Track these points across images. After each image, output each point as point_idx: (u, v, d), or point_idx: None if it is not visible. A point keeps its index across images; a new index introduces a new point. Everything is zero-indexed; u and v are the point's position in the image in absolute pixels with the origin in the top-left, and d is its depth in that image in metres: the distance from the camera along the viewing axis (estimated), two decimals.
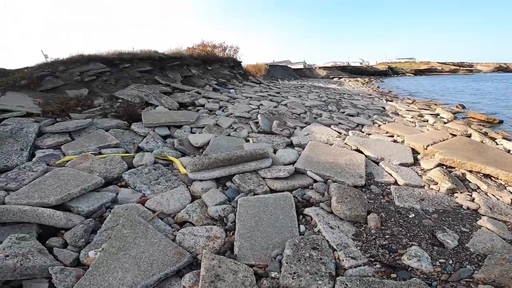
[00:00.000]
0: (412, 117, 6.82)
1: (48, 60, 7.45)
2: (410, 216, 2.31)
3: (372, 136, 4.51)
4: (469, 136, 5.13)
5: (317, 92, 11.68)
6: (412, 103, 10.38)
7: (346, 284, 1.53)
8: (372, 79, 33.81)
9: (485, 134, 5.57)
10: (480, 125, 6.75)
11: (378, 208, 2.41)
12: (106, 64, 7.36)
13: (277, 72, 29.57)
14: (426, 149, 3.80)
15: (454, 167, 3.33)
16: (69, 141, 3.54)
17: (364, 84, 24.08)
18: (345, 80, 30.91)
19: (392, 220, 2.25)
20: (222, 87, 9.98)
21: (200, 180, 2.59)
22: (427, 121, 6.54)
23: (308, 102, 8.05)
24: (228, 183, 2.65)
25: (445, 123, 6.41)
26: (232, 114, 5.54)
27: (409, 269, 1.75)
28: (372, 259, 1.82)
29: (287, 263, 1.65)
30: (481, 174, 3.18)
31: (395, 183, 2.93)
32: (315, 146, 3.55)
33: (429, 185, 2.91)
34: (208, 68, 11.78)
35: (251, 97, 7.92)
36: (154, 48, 9.73)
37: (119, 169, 2.77)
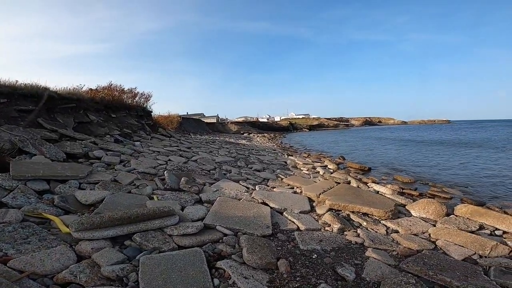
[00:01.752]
0: (307, 170, 7.94)
1: None
2: (313, 257, 2.55)
3: (276, 189, 4.93)
4: (349, 182, 6.29)
5: (227, 148, 12.19)
6: (307, 156, 12.17)
7: None
8: (276, 135, 38.19)
9: (360, 180, 6.96)
10: (356, 172, 8.43)
11: (286, 253, 2.57)
12: None
13: (190, 125, 29.76)
14: (319, 197, 4.40)
15: (341, 210, 3.95)
16: None
17: (270, 139, 26.84)
18: (254, 135, 33.77)
19: (300, 262, 2.43)
20: (126, 139, 9.18)
21: (90, 240, 2.23)
22: (318, 172, 7.73)
23: (218, 158, 8.25)
24: (127, 242, 2.37)
25: (331, 173, 7.71)
26: (135, 169, 5.09)
27: None
28: None
29: None
30: (361, 213, 3.88)
31: (298, 229, 3.22)
32: (224, 202, 3.58)
33: (325, 227, 3.33)
34: (112, 116, 10.62)
35: (159, 152, 7.56)
36: (45, 84, 8.20)
37: None
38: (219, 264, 2.21)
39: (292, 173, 7.06)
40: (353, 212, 3.88)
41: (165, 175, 4.48)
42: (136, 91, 14.14)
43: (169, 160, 6.75)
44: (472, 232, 3.43)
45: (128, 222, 2.44)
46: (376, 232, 3.36)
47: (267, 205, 3.83)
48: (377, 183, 6.63)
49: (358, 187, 5.98)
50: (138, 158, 6.33)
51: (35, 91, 7.46)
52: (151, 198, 3.63)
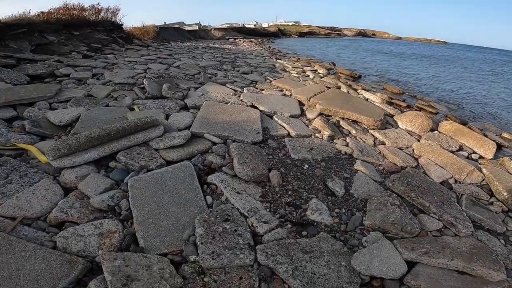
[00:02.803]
0: (297, 73, 7.59)
1: None
2: (304, 168, 2.51)
3: (265, 92, 4.73)
4: (339, 88, 6.12)
5: (212, 53, 11.25)
6: (297, 61, 11.49)
7: (267, 252, 1.54)
8: (264, 40, 35.22)
9: (350, 86, 6.78)
10: (346, 79, 8.17)
11: (277, 163, 2.51)
12: None
13: (169, 34, 26.64)
14: (309, 100, 4.28)
15: (331, 116, 3.90)
16: None
17: (257, 44, 24.83)
18: (240, 40, 31.03)
19: (291, 174, 2.38)
20: (96, 54, 8.25)
21: (72, 167, 2.04)
22: (308, 76, 7.44)
23: (202, 62, 7.66)
24: (112, 163, 2.21)
25: (321, 77, 7.43)
26: (111, 81, 4.63)
27: (314, 223, 1.89)
28: (283, 220, 1.87)
29: (202, 243, 1.51)
30: (350, 120, 3.85)
31: (288, 135, 3.19)
32: (211, 106, 3.41)
33: (315, 134, 3.30)
34: (74, 33, 9.55)
35: (135, 61, 6.83)
36: None
37: None
38: (210, 178, 2.13)
39: (281, 76, 6.74)
40: (343, 118, 3.84)
41: (145, 83, 4.10)
42: (99, 7, 12.38)
43: (148, 68, 6.15)
44: (452, 152, 3.37)
45: (109, 139, 2.23)
46: (365, 142, 3.35)
47: (256, 108, 3.70)
48: (367, 91, 6.50)
49: (348, 93, 5.85)
50: (113, 70, 5.70)
51: None
52: (132, 109, 3.37)
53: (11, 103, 3.25)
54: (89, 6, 11.96)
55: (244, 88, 4.77)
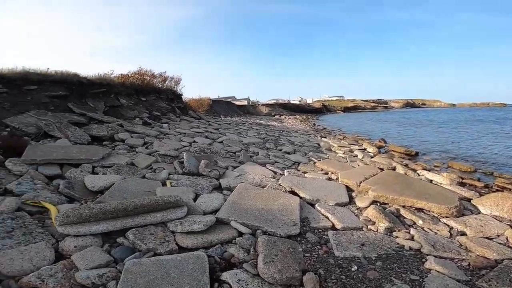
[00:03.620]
0: (343, 153, 7.11)
1: None
2: (352, 270, 1.95)
3: (307, 175, 4.31)
4: (394, 169, 5.41)
5: (257, 129, 11.70)
6: (343, 138, 11.16)
7: None
8: (309, 117, 36.70)
9: (407, 166, 6.00)
10: (400, 157, 7.38)
11: (315, 263, 2.02)
12: (3, 84, 5.86)
13: (221, 108, 29.76)
14: (359, 185, 3.69)
15: (388, 203, 3.23)
16: None
17: (302, 121, 25.74)
18: (285, 117, 32.81)
19: (333, 277, 1.86)
20: (155, 121, 9.16)
21: (75, 236, 1.89)
22: (356, 156, 6.88)
23: (246, 139, 7.80)
24: (120, 239, 1.99)
25: (371, 157, 6.80)
26: (156, 152, 4.81)
27: None
28: None
29: None
30: (414, 209, 3.12)
31: (333, 227, 2.62)
32: (244, 190, 3.08)
33: (367, 226, 2.67)
34: (142, 99, 10.68)
35: (185, 133, 7.31)
36: (76, 71, 8.21)
37: None
38: (225, 276, 1.71)
39: (326, 156, 6.33)
40: (404, 206, 3.14)
41: (184, 157, 4.11)
42: (166, 75, 14.06)
43: (194, 141, 6.44)
44: None
45: (124, 214, 2.05)
46: (436, 233, 2.63)
47: (296, 194, 3.26)
48: (429, 171, 5.64)
49: (405, 174, 5.10)
50: (163, 140, 6.09)
51: (66, 77, 7.48)
52: (164, 184, 3.26)
53: (59, 161, 3.43)
54: (158, 73, 13.55)
55: (285, 170, 4.45)
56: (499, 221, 2.97)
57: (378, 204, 3.22)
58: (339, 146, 8.34)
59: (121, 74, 11.92)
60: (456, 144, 10.60)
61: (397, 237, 2.47)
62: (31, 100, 6.15)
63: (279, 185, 3.53)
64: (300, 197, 3.20)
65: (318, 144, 8.49)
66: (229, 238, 2.18)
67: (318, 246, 2.24)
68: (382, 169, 5.12)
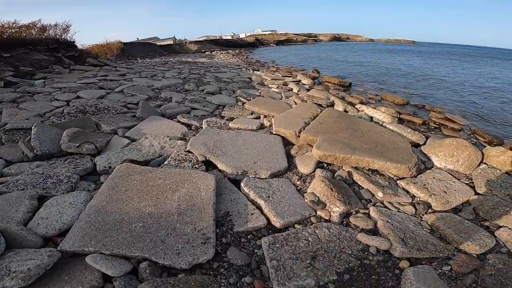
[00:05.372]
0: (277, 87, 6.18)
1: None
2: None
3: (233, 123, 3.21)
4: (333, 104, 4.74)
5: (179, 68, 9.73)
6: (276, 70, 10.16)
7: None
8: (242, 51, 34.26)
9: (343, 99, 5.44)
10: (336, 89, 6.84)
11: None
12: None
13: (137, 51, 25.04)
14: (299, 135, 2.81)
15: (334, 164, 2.44)
16: None
17: (234, 55, 23.61)
18: (216, 53, 29.85)
19: None
20: (24, 79, 6.60)
21: None
22: (292, 89, 6.06)
23: (160, 82, 6.10)
24: None
25: (307, 90, 6.06)
26: (6, 124, 3.05)
27: None
28: None
29: None
30: (368, 169, 2.40)
31: (267, 225, 1.69)
32: (124, 177, 1.84)
33: (316, 212, 1.83)
34: (3, 55, 7.95)
35: (66, 88, 5.18)
36: None
37: None
38: None
39: (258, 93, 5.29)
40: (356, 168, 2.38)
41: (32, 131, 2.50)
42: (42, 24, 10.67)
43: (78, 97, 4.57)
44: None
45: None
46: (399, 210, 1.93)
47: (213, 166, 2.21)
48: (364, 104, 5.17)
49: (345, 111, 4.49)
50: (24, 103, 4.09)
51: None
52: None
53: None
54: (29, 24, 10.18)
55: (204, 121, 3.27)
56: (457, 178, 2.45)
57: (325, 165, 2.42)
58: (272, 79, 7.33)
59: None
60: (380, 72, 10.77)
61: (356, 228, 1.70)
62: None
63: (187, 151, 2.37)
64: (219, 170, 2.17)
65: (250, 79, 7.32)
66: None
67: (245, 278, 1.32)
68: (320, 105, 4.39)
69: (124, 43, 22.16)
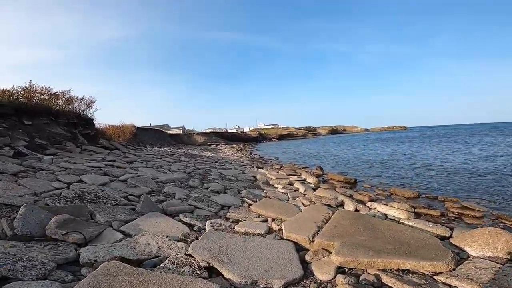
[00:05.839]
0: (283, 187, 6.05)
1: None
2: None
3: (239, 227, 2.92)
4: (343, 204, 4.54)
5: (185, 161, 9.93)
6: (280, 168, 10.36)
7: None
8: (246, 146, 36.40)
9: (352, 197, 5.28)
10: (342, 187, 6.76)
11: None
12: None
13: (148, 137, 26.63)
14: (313, 241, 2.51)
15: (357, 268, 2.10)
16: None
17: (239, 150, 24.84)
18: (221, 147, 31.58)
19: None
20: (34, 152, 6.69)
21: None
22: (298, 189, 5.91)
23: (165, 175, 6.03)
24: None
25: (314, 189, 5.94)
26: None
27: None
28: None
29: None
30: (397, 270, 2.07)
31: None
32: (110, 277, 1.50)
33: None
34: (25, 122, 8.12)
35: (71, 169, 5.17)
36: None
37: None
38: None
39: (264, 194, 5.13)
40: (384, 270, 2.04)
41: (20, 211, 2.27)
42: (69, 95, 10.96)
43: (80, 181, 4.46)
44: None
45: None
46: None
47: (218, 272, 1.85)
48: (375, 201, 5.01)
49: (356, 210, 4.27)
50: (23, 179, 3.99)
51: None
52: None
53: None
54: (59, 92, 10.25)
55: (207, 222, 3.01)
56: (499, 263, 2.22)
57: (346, 270, 2.08)
58: (277, 178, 7.32)
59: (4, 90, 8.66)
60: (386, 165, 11.05)
61: None
62: None
63: (188, 255, 2.04)
64: (225, 278, 1.81)
65: (254, 177, 7.30)
66: None
67: None
68: (330, 206, 4.18)
69: (138, 128, 23.68)
